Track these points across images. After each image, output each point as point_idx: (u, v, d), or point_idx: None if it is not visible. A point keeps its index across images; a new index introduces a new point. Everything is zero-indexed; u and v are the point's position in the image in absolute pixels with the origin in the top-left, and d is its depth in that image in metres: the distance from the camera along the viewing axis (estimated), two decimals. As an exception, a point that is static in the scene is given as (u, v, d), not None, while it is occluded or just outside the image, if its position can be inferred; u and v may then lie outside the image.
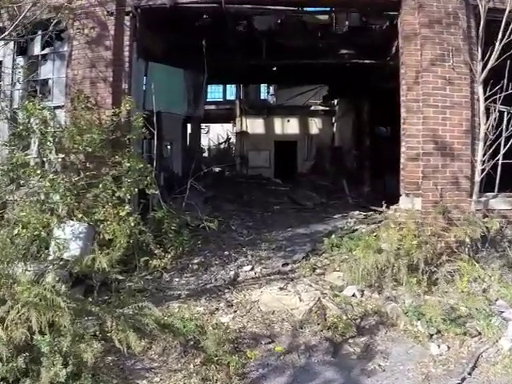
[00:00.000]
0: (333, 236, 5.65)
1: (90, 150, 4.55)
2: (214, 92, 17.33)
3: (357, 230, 5.96)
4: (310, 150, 13.28)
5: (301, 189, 8.48)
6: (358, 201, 8.29)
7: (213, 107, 15.44)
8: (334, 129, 13.43)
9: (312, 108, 13.44)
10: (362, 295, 4.16)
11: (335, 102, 13.04)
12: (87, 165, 4.86)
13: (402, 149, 4.96)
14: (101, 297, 4.09)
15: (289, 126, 13.70)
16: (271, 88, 16.35)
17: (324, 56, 7.16)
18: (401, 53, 5.13)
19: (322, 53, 7.09)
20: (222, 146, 18.39)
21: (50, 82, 5.76)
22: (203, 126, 18.89)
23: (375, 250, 4.23)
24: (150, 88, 5.08)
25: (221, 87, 17.12)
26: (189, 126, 10.85)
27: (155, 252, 4.40)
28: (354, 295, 4.14)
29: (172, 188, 7.31)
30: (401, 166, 5.00)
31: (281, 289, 4.16)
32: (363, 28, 6.79)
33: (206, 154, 18.54)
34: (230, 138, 17.77)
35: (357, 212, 7.16)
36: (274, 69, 8.64)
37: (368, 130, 9.49)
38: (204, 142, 18.99)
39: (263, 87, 16.30)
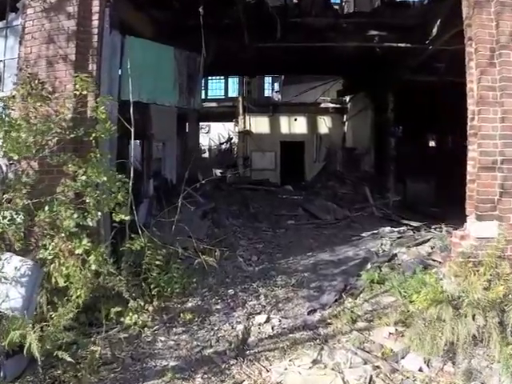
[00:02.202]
0: (369, 266, 4.23)
1: (37, 154, 3.11)
2: (215, 89, 15.86)
3: (396, 255, 4.54)
4: (319, 151, 11.83)
5: (317, 198, 7.04)
6: (385, 212, 6.86)
7: (213, 104, 13.96)
8: (346, 128, 11.97)
9: (322, 105, 11.95)
10: (429, 367, 2.75)
11: (347, 98, 11.57)
12: (41, 175, 3.42)
13: (471, 154, 3.52)
14: (48, 373, 2.69)
15: (296, 125, 12.22)
16: (276, 84, 14.88)
17: (349, 38, 5.69)
18: (467, 25, 3.67)
19: (347, 34, 5.62)
20: (223, 147, 16.93)
21: (2, 65, 4.29)
22: (204, 124, 17.44)
23: (452, 305, 2.81)
24: (127, 70, 3.61)
25: (222, 83, 15.64)
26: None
27: (130, 304, 2.97)
28: (420, 369, 2.73)
29: (164, 198, 5.86)
30: (468, 178, 3.56)
31: (314, 361, 2.73)
32: (399, 4, 5.32)
33: (206, 155, 17.11)
34: (231, 138, 16.31)
35: (387, 228, 5.73)
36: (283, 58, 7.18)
37: (392, 129, 8.06)
38: (204, 141, 17.56)
39: (267, 83, 14.81)
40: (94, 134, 3.24)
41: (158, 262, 3.44)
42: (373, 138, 9.18)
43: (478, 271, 3.12)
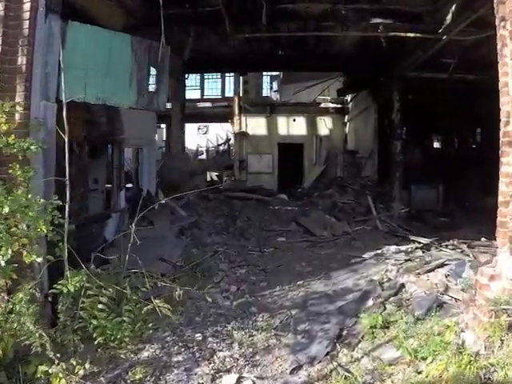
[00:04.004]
0: (370, 302, 3.40)
1: None
2: (212, 88, 15.08)
3: (403, 286, 3.70)
4: (319, 153, 10.96)
5: (314, 209, 6.20)
6: (389, 225, 6.00)
7: (208, 105, 13.18)
8: (347, 129, 11.07)
9: (322, 105, 11.05)
10: None
11: (348, 98, 10.65)
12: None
13: (505, 169, 2.65)
14: None
15: (295, 126, 11.35)
16: (274, 83, 14.01)
17: (349, 27, 4.83)
18: (499, 2, 2.78)
19: (347, 22, 4.77)
20: (221, 148, 16.15)
21: None
22: (201, 125, 16.69)
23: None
24: (67, 63, 2.85)
25: (219, 83, 14.83)
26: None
27: (51, 370, 2.22)
28: None
29: (138, 212, 5.10)
30: (500, 199, 2.70)
31: None
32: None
33: (204, 156, 16.37)
34: (230, 139, 15.52)
35: (393, 247, 4.88)
36: (280, 52, 6.35)
37: (399, 132, 7.16)
38: (202, 143, 16.82)
39: (265, 83, 13.97)
40: (16, 145, 2.49)
41: (101, 306, 2.68)
42: (376, 141, 8.27)
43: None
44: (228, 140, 15.89)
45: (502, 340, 2.24)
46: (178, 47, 5.19)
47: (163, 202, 3.30)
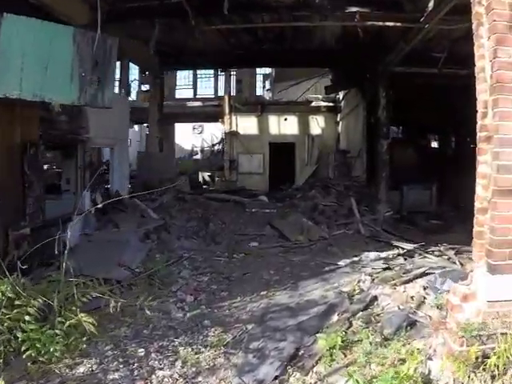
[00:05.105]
0: (335, 317, 3.02)
1: None
2: (205, 87, 14.78)
3: (376, 298, 3.31)
4: (310, 153, 10.54)
5: (293, 212, 5.79)
6: (373, 229, 5.58)
7: (198, 104, 12.88)
8: (339, 128, 10.62)
9: (313, 104, 10.63)
10: None
11: (340, 96, 10.20)
12: None
13: (482, 169, 2.24)
14: None
15: (286, 125, 10.96)
16: (267, 82, 13.63)
17: (328, 16, 4.43)
18: (475, -24, 2.41)
19: (322, 12, 4.37)
20: (216, 148, 15.86)
21: None
22: (197, 125, 16.43)
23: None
24: (8, 58, 2.55)
25: (212, 82, 14.50)
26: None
27: None
28: None
29: (106, 213, 4.81)
30: (477, 205, 2.29)
31: None
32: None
33: (198, 156, 16.11)
34: (224, 139, 15.21)
35: (372, 254, 4.48)
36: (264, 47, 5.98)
37: (385, 131, 6.71)
38: (197, 142, 16.56)
39: (259, 81, 13.60)
40: None
41: (28, 318, 2.39)
42: (365, 140, 7.83)
43: (485, 365, 1.87)
44: (223, 140, 15.57)
45: (469, 376, 1.84)
46: (146, 41, 4.88)
47: (100, 205, 2.98)
